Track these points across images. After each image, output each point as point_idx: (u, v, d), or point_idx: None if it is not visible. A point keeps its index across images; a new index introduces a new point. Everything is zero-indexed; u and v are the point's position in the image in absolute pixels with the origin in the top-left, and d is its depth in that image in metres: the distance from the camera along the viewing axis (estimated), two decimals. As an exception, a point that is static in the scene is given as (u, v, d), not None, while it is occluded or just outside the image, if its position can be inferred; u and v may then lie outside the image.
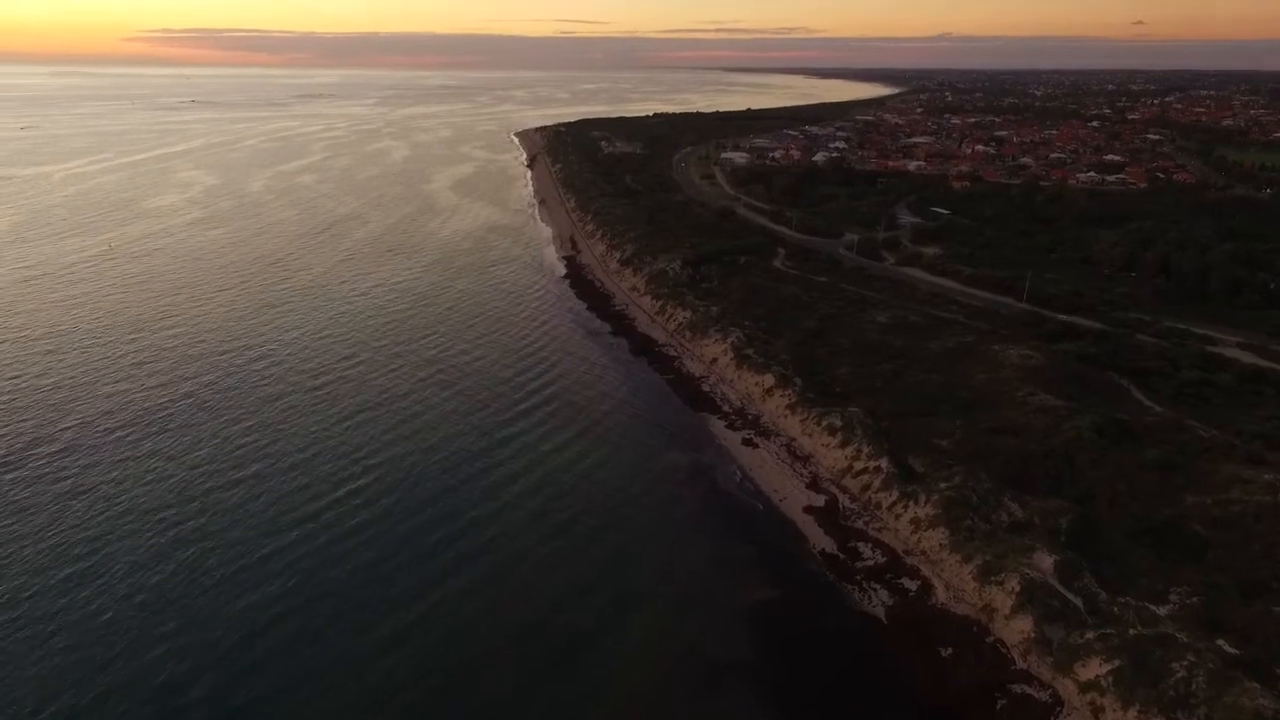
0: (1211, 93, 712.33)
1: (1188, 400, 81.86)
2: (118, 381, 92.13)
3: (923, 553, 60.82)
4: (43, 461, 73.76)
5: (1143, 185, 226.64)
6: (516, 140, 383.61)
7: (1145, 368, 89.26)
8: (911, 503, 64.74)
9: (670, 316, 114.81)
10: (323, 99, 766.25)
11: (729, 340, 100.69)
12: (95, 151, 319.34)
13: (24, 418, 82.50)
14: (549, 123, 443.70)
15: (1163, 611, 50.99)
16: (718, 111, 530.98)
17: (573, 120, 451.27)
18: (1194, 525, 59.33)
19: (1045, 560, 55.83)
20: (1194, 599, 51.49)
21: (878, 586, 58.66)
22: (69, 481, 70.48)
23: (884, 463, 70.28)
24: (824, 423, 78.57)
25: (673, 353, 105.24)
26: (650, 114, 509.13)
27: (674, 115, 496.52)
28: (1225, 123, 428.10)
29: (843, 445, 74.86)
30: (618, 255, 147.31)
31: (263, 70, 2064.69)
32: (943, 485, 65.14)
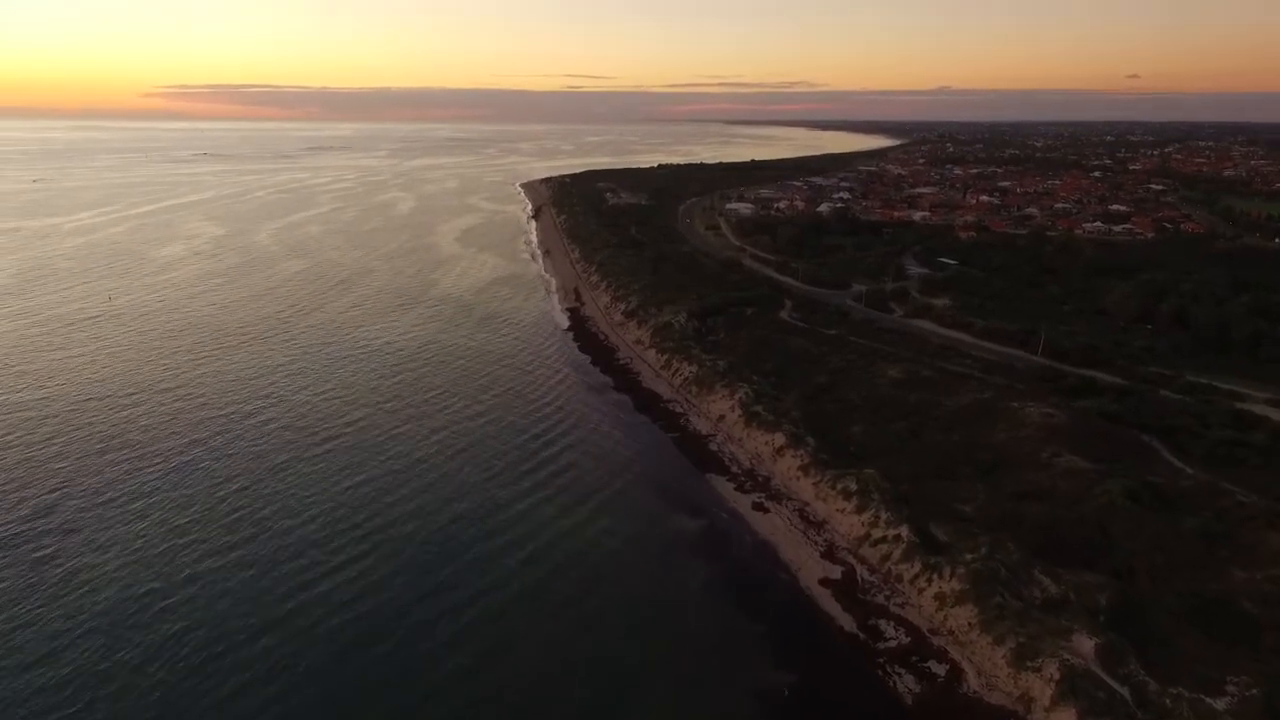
0: (1210, 144, 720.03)
1: (1221, 461, 77.76)
2: (113, 444, 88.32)
3: (950, 632, 56.38)
4: (31, 533, 70.02)
5: (1150, 235, 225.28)
6: (522, 191, 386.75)
7: (1173, 426, 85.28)
8: (935, 576, 60.50)
9: (676, 371, 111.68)
10: (333, 151, 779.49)
11: (737, 396, 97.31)
12: (105, 204, 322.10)
13: (14, 482, 79.08)
14: (554, 174, 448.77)
15: (1220, 705, 46.48)
16: (722, 163, 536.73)
17: (578, 171, 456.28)
18: (1244, 603, 54.99)
19: (1085, 643, 51.45)
20: (1254, 690, 47.00)
21: (903, 671, 54.09)
22: (59, 556, 66.72)
23: (904, 531, 66.17)
24: (838, 486, 74.69)
25: (679, 409, 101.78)
26: (655, 165, 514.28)
27: (678, 167, 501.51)
28: (1227, 173, 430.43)
29: (859, 511, 70.84)
30: (622, 307, 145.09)
31: (276, 124, 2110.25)
32: (968, 557, 60.99)
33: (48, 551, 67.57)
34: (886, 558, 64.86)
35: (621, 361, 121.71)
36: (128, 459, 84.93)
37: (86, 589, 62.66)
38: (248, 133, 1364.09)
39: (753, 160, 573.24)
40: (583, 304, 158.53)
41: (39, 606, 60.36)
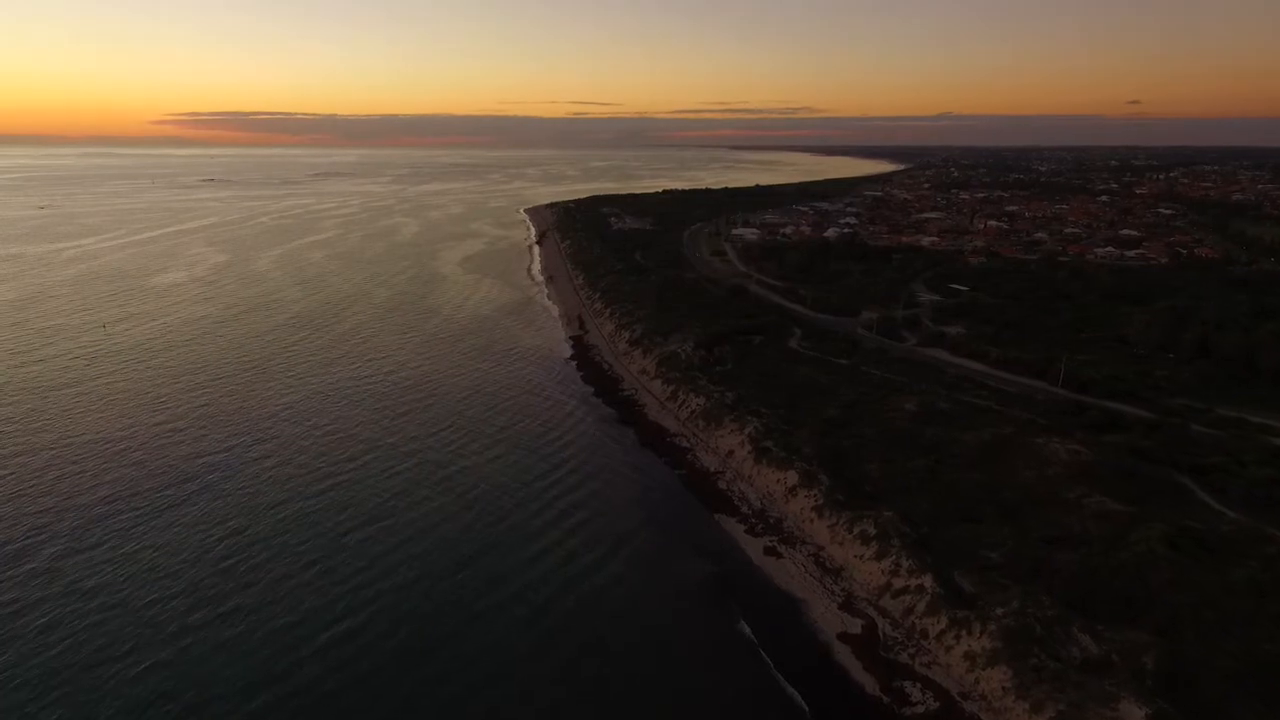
0: (1215, 168, 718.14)
1: (1261, 503, 73.29)
2: (101, 484, 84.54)
3: (983, 697, 51.83)
4: (12, 579, 66.30)
5: (1164, 260, 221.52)
6: (526, 217, 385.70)
7: (1206, 463, 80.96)
8: (964, 632, 56.05)
9: (682, 403, 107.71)
10: (339, 177, 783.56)
11: (746, 431, 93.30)
12: (108, 230, 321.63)
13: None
14: (559, 199, 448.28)
15: (1291, 788, 41.80)
16: (726, 188, 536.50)
17: (583, 197, 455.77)
18: (1304, 666, 50.31)
19: (1134, 713, 46.95)
20: (1327, 772, 42.32)
21: (932, 741, 49.53)
22: (41, 604, 62.98)
23: (927, 580, 61.80)
24: (856, 529, 70.42)
25: (685, 444, 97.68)
26: (660, 190, 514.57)
27: (683, 192, 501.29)
28: (1235, 197, 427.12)
29: (878, 557, 66.52)
30: (627, 335, 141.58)
31: (284, 150, 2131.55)
32: (999, 611, 56.62)
33: (29, 599, 63.71)
34: (910, 610, 60.43)
35: (626, 393, 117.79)
36: (115, 500, 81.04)
37: (67, 641, 58.73)
38: (255, 159, 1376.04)
39: (757, 185, 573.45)
40: (587, 332, 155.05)
41: (15, 660, 56.42)
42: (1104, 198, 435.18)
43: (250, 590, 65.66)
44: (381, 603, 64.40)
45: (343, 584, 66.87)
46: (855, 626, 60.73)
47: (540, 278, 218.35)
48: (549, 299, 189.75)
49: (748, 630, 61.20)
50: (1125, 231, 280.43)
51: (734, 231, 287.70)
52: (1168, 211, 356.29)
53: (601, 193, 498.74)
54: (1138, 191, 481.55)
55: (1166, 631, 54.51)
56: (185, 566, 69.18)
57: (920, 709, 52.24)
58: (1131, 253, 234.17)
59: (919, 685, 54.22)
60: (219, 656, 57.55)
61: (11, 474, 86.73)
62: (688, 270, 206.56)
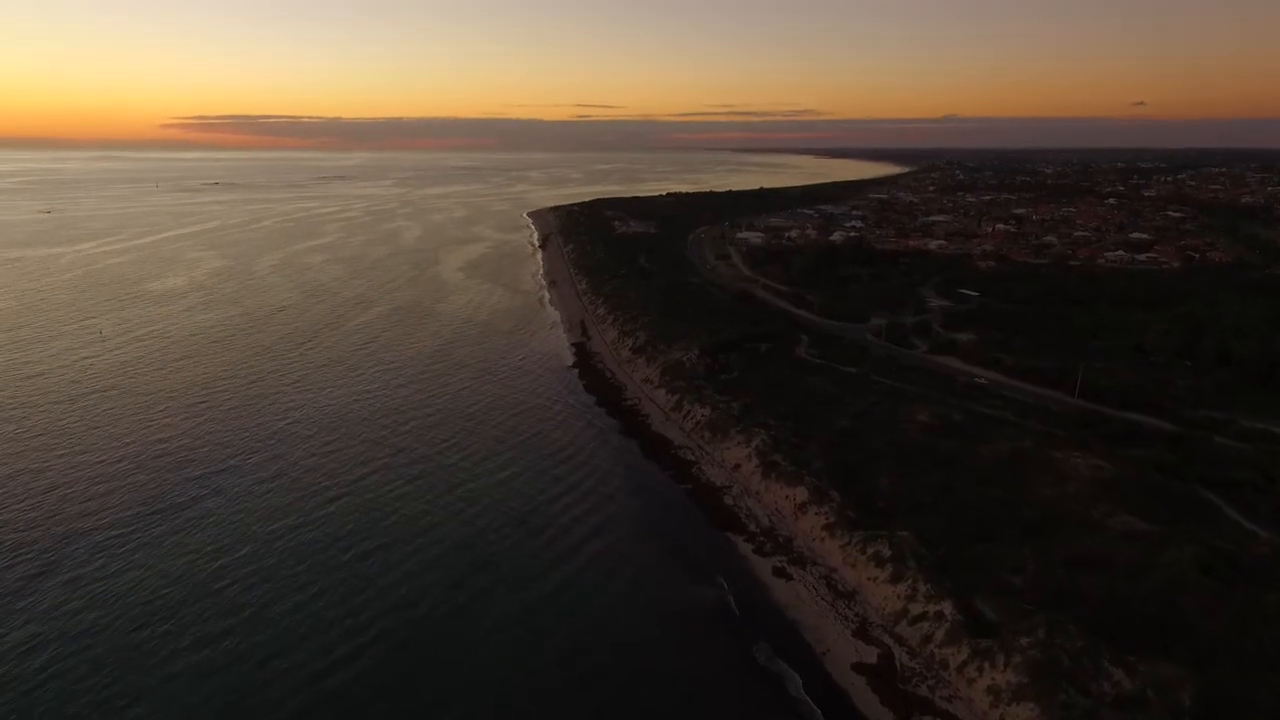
0: (1223, 170, 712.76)
1: (1293, 522, 70.06)
2: (93, 507, 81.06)
3: (1009, 736, 48.75)
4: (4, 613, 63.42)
5: (1176, 264, 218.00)
6: (529, 220, 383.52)
7: (1234, 479, 77.75)
8: (987, 664, 52.98)
9: (687, 414, 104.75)
10: (344, 180, 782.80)
11: (753, 444, 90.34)
12: (110, 234, 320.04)
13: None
14: (562, 203, 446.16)
15: (1348, 844, 38.64)
16: (731, 191, 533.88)
17: (586, 200, 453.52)
18: (1353, 705, 47.13)
19: (1173, 756, 43.76)
20: (1388, 826, 39.15)
21: (956, 784, 46.48)
22: (39, 644, 59.87)
23: (947, 607, 58.73)
24: (869, 550, 67.41)
25: (691, 456, 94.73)
26: (664, 194, 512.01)
27: (687, 195, 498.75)
28: (1244, 200, 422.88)
29: (894, 580, 63.48)
30: (630, 343, 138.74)
31: (289, 153, 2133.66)
32: (1024, 641, 53.53)
33: (25, 630, 60.68)
34: (928, 639, 57.36)
35: (629, 403, 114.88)
36: (109, 523, 77.73)
37: (60, 681, 55.49)
38: (260, 162, 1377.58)
39: (762, 188, 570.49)
40: (589, 339, 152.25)
41: (12, 697, 53.66)
42: (1112, 200, 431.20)
43: (251, 622, 62.16)
44: (392, 639, 60.79)
45: (350, 617, 63.13)
46: (870, 655, 57.67)
47: (543, 282, 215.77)
48: (551, 304, 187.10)
49: (758, 658, 58.17)
50: (1135, 235, 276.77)
51: (739, 235, 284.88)
52: (1177, 214, 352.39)
53: (605, 196, 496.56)
54: (1146, 194, 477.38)
55: (1202, 663, 51.37)
56: (182, 596, 65.70)
57: (942, 747, 49.19)
58: (1142, 256, 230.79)
59: (940, 721, 51.14)
60: (222, 698, 54.11)
61: (3, 491, 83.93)
62: (692, 275, 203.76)
